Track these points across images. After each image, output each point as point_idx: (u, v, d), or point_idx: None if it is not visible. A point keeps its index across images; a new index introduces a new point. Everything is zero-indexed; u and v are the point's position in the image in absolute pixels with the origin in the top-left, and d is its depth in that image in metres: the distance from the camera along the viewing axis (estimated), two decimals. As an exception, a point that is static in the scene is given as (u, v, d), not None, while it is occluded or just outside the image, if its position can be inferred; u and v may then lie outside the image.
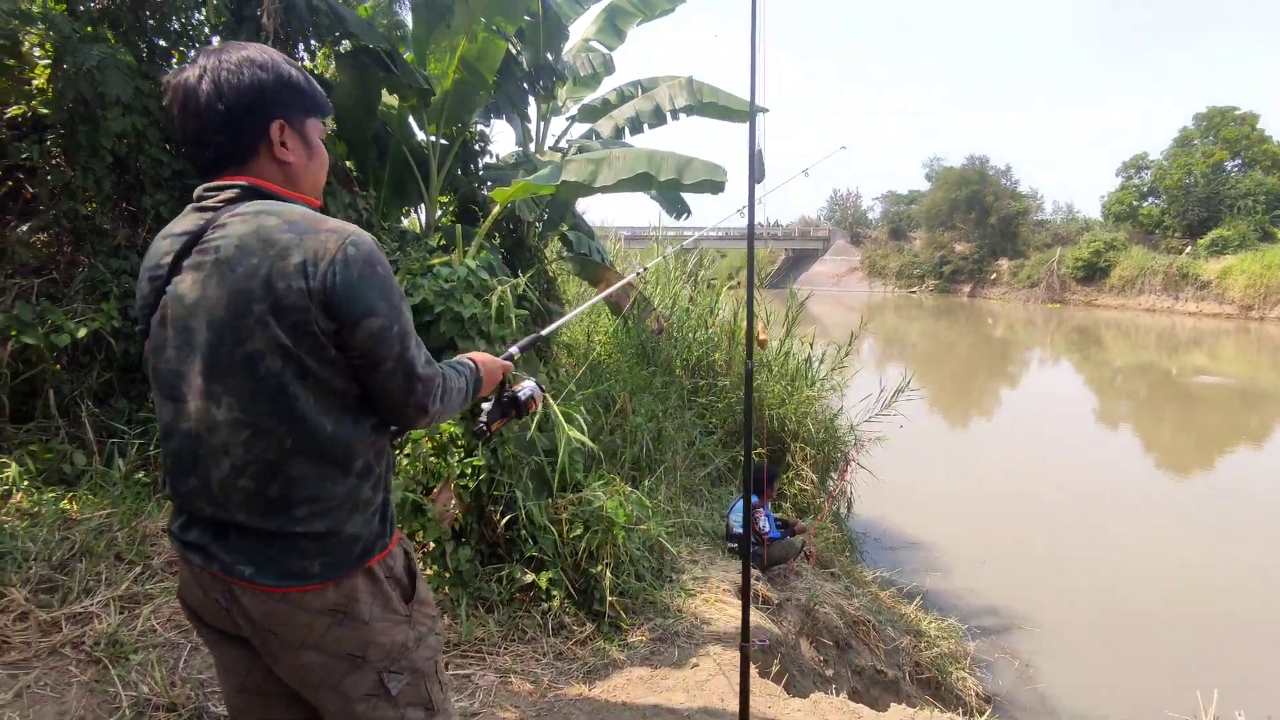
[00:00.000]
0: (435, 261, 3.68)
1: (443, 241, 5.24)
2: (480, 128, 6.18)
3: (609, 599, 3.26)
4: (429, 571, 3.16)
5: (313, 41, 4.86)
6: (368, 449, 1.24)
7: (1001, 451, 11.69)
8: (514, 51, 5.70)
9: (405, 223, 6.40)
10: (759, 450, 6.12)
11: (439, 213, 5.93)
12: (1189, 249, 34.41)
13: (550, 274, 6.80)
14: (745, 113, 6.30)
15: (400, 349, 1.21)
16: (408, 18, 5.63)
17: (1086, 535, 7.98)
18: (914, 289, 43.31)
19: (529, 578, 3.21)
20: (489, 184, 5.79)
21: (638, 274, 2.91)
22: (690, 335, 6.97)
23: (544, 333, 2.11)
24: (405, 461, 3.27)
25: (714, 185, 4.59)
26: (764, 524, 4.70)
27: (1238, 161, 35.84)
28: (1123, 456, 11.85)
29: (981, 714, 4.37)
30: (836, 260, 47.64)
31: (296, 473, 1.17)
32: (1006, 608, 6.19)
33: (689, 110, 6.53)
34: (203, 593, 1.25)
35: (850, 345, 7.51)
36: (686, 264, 8.54)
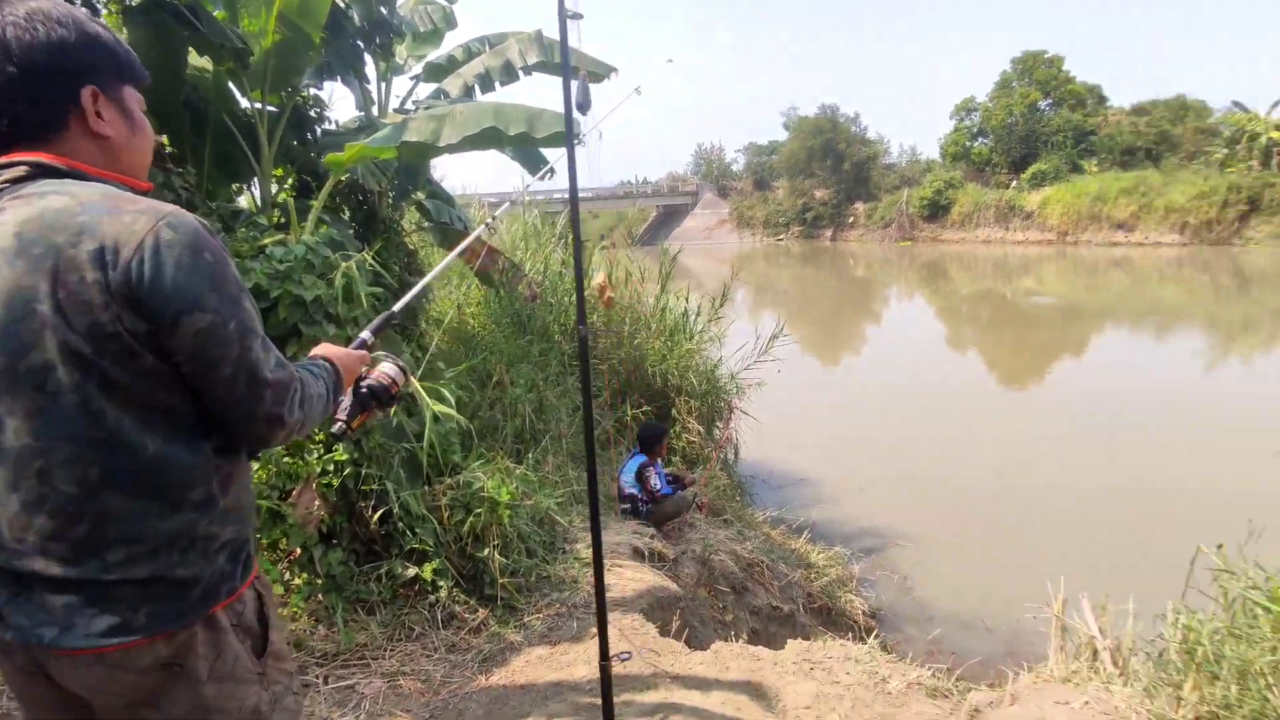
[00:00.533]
0: (267, 241, 3.30)
1: (280, 219, 4.76)
2: (313, 91, 5.61)
3: (500, 581, 3.14)
4: (297, 580, 2.90)
5: (91, -6, 4.16)
6: (209, 476, 1.03)
7: (869, 383, 12.50)
8: (342, 5, 5.19)
9: (242, 201, 5.77)
10: (645, 409, 6.14)
11: (275, 188, 5.37)
12: (1014, 183, 37.94)
13: (410, 246, 6.39)
14: (598, 74, 6.15)
15: (239, 350, 1.00)
16: (208, -34, 4.95)
17: (945, 451, 8.72)
18: (780, 237, 45.07)
19: (411, 572, 3.01)
20: (328, 152, 5.29)
21: (488, 225, 2.73)
22: (566, 299, 6.81)
23: (395, 308, 1.87)
24: (256, 465, 2.96)
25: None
26: (656, 482, 4.72)
27: (1049, 101, 39.58)
28: (972, 376, 13.00)
29: (869, 631, 4.67)
30: (706, 214, 48.57)
31: (109, 508, 0.97)
32: (886, 528, 6.64)
33: (542, 67, 6.25)
34: (9, 662, 1.03)
35: (724, 296, 7.63)
36: (556, 226, 8.32)
